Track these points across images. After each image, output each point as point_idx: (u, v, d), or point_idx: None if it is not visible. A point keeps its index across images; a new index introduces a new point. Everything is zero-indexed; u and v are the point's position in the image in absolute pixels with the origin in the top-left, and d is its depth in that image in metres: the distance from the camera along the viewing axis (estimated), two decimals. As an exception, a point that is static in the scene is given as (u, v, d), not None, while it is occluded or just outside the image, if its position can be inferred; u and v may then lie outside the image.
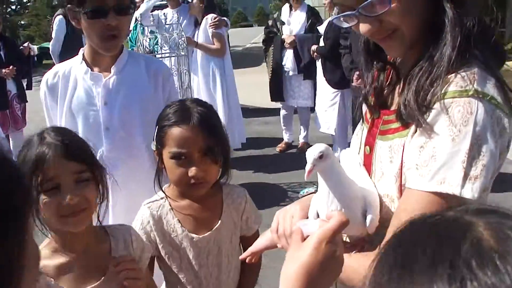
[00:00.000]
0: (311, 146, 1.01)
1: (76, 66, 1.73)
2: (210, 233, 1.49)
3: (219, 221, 1.51)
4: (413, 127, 1.00)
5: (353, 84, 4.38)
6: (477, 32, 0.96)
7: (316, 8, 5.84)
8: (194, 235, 1.48)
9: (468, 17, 0.95)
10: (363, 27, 1.00)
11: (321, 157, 0.97)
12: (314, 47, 5.08)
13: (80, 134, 1.55)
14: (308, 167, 0.97)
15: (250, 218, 1.58)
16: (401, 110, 1.02)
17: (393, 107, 1.12)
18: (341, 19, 1.03)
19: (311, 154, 0.96)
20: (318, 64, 5.20)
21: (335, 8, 1.11)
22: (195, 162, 1.38)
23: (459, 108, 0.92)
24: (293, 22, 5.39)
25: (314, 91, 5.49)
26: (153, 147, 1.46)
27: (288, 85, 5.57)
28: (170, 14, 5.00)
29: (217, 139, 1.42)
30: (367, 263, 1.02)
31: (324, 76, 5.08)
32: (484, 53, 0.99)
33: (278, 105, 5.83)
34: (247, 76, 10.01)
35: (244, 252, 1.25)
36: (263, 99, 6.80)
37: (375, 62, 1.17)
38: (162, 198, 1.51)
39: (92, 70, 1.70)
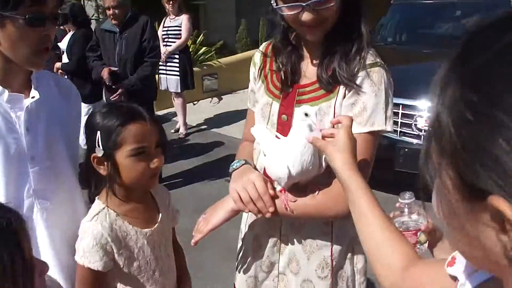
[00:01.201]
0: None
1: None
2: (158, 225, 1.59)
3: (160, 214, 1.62)
4: (340, 91, 1.41)
5: (111, 98, 4.52)
6: None
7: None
8: (147, 230, 1.55)
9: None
10: (307, 16, 1.32)
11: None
12: (58, 65, 4.94)
13: (1, 167, 1.42)
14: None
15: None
16: (327, 79, 1.43)
17: (304, 81, 1.49)
18: (283, 8, 1.34)
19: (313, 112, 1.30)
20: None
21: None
22: (152, 155, 1.47)
23: (375, 74, 1.40)
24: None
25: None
26: (99, 154, 1.44)
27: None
28: None
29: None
30: (329, 199, 1.40)
31: (73, 92, 5.00)
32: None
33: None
34: None
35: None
36: None
37: (287, 46, 1.52)
38: (104, 209, 1.52)
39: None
